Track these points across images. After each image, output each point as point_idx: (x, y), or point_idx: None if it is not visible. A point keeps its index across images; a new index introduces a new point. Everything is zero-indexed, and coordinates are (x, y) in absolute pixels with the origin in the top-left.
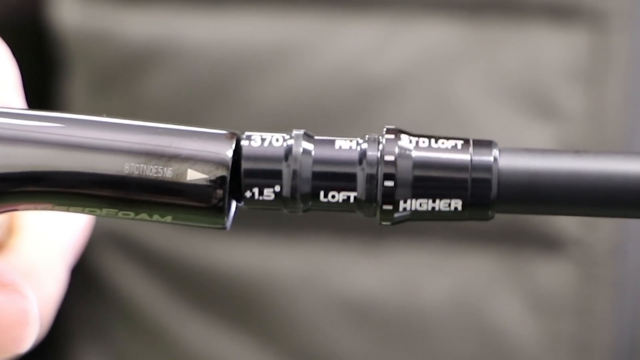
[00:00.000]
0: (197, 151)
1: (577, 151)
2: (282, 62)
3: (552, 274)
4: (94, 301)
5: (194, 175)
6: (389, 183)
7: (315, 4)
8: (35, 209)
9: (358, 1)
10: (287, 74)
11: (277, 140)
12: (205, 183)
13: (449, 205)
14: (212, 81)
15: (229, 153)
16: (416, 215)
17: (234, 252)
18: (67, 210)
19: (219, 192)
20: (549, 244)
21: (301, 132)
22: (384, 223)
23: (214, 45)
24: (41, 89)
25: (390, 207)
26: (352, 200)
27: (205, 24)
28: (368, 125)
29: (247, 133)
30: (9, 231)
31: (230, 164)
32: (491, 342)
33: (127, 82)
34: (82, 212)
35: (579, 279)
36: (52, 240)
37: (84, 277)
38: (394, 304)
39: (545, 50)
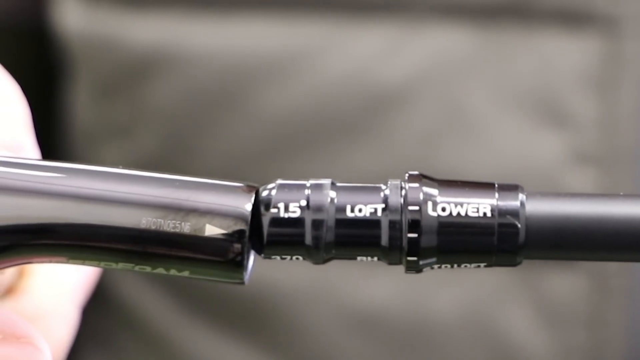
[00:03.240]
0: (215, 205)
1: (605, 195)
2: (290, 68)
3: (564, 286)
4: (100, 311)
5: (212, 230)
6: (414, 231)
7: (325, 10)
8: (50, 262)
9: (368, 7)
10: (295, 81)
11: (299, 188)
12: (223, 237)
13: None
14: (219, 88)
15: (248, 207)
16: (442, 260)
17: None
18: (83, 264)
19: (237, 246)
20: None
21: (327, 181)
22: (409, 271)
23: (221, 52)
24: (45, 95)
25: (415, 255)
26: (376, 248)
27: (212, 29)
28: (378, 133)
29: (279, 181)
30: (20, 273)
31: (249, 218)
32: (502, 354)
33: (132, 89)
34: (98, 265)
35: (592, 291)
36: (62, 281)
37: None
38: (404, 316)
39: (557, 56)
